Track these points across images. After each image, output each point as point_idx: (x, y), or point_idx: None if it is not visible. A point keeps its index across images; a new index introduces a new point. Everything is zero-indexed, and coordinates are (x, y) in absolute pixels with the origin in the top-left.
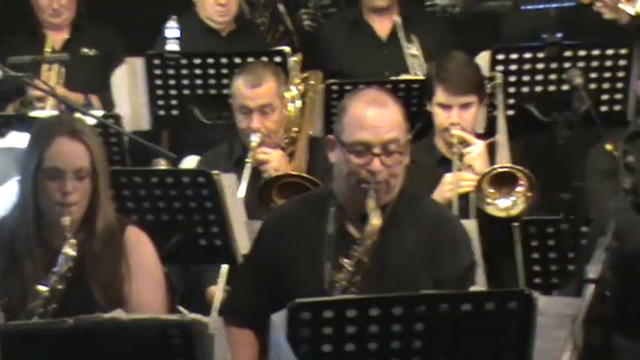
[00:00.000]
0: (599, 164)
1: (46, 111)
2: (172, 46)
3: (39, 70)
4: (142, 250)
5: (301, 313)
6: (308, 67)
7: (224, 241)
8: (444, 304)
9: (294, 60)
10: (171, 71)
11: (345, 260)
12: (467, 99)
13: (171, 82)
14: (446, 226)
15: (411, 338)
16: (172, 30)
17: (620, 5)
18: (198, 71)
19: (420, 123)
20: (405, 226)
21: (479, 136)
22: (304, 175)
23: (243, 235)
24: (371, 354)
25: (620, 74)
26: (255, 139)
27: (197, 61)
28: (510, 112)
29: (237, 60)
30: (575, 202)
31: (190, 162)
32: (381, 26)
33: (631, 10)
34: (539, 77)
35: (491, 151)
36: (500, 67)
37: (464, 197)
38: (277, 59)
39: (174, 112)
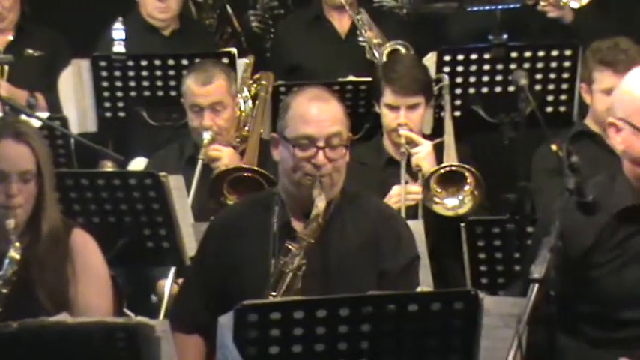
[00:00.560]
0: (544, 164)
1: None
2: (119, 48)
3: None
4: (88, 253)
5: (248, 314)
6: (260, 68)
7: (171, 244)
8: (390, 304)
9: (245, 61)
10: (117, 73)
11: (292, 244)
12: (414, 100)
13: (118, 83)
14: (388, 221)
15: (358, 339)
16: (118, 32)
17: (564, 0)
18: (144, 73)
19: (368, 124)
20: (347, 221)
21: (426, 136)
22: (255, 168)
23: (190, 237)
24: (318, 355)
25: (565, 75)
26: (207, 136)
27: (144, 62)
28: (457, 113)
29: (185, 62)
30: (520, 203)
31: (138, 164)
32: (341, 23)
33: (575, 4)
34: (485, 78)
35: (439, 152)
36: (446, 69)
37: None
38: (225, 60)
39: (121, 114)
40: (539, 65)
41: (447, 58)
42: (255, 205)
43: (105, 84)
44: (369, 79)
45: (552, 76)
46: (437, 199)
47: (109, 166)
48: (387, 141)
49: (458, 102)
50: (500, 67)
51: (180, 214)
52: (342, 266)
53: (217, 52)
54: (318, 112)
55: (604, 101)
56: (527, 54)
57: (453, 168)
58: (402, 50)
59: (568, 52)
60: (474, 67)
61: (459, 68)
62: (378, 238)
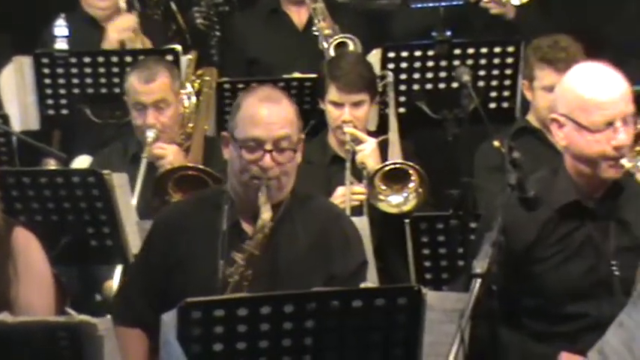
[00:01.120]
0: (487, 161)
1: None
2: (61, 45)
3: None
4: (30, 252)
5: (192, 312)
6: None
7: (115, 242)
8: (334, 300)
9: (188, 57)
10: (60, 70)
11: (237, 254)
12: (359, 97)
13: (61, 81)
14: (337, 223)
15: (302, 335)
16: (61, 28)
17: None
18: (88, 70)
19: (312, 121)
20: (297, 223)
21: (371, 133)
22: (200, 166)
23: (134, 235)
24: (262, 352)
25: (508, 72)
26: (150, 134)
27: (87, 59)
28: (401, 110)
29: (128, 58)
30: (463, 199)
31: (82, 162)
32: (299, 16)
33: (517, 1)
34: (429, 75)
35: (383, 149)
36: (391, 65)
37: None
38: (169, 58)
39: (64, 112)
40: (482, 62)
41: (391, 54)
42: (202, 202)
43: (47, 81)
44: (314, 75)
45: (495, 72)
46: (381, 197)
47: (51, 164)
48: (332, 138)
49: (402, 99)
50: (443, 63)
51: (124, 212)
52: (291, 269)
53: (162, 49)
54: (267, 114)
55: (545, 98)
56: (471, 50)
57: (398, 165)
58: (350, 44)
59: (510, 49)
60: (417, 64)
61: (403, 65)
62: (327, 241)
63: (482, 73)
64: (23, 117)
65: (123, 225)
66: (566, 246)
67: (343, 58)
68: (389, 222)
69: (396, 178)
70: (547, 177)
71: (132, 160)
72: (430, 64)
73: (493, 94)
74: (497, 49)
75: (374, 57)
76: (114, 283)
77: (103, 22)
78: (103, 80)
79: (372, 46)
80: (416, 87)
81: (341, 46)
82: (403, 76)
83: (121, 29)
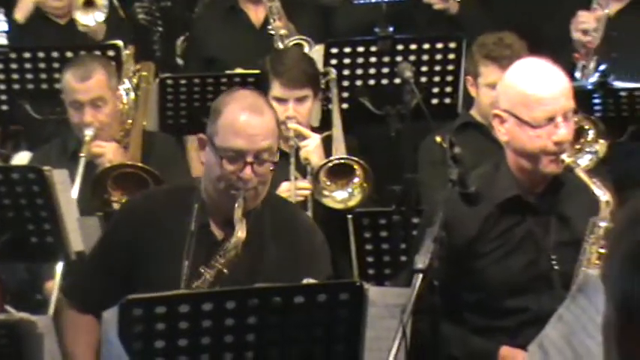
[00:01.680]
0: (429, 156)
1: None
2: (1, 40)
3: None
4: None
5: (133, 309)
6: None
7: (56, 238)
8: (276, 296)
9: (127, 53)
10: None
11: (207, 270)
12: (302, 92)
13: (1, 76)
14: (307, 237)
15: (244, 331)
16: (0, 23)
17: None
18: (28, 65)
19: None
20: (266, 236)
21: (314, 129)
22: (139, 164)
23: (76, 231)
24: (204, 349)
25: (450, 67)
26: (89, 133)
27: (27, 55)
28: (345, 106)
29: (69, 54)
30: (406, 194)
31: (22, 158)
32: (256, 13)
33: None
34: (372, 71)
35: (327, 145)
36: (334, 61)
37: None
38: (110, 53)
39: (4, 108)
40: (425, 57)
41: (334, 50)
42: (173, 196)
43: None
44: (257, 71)
45: (437, 68)
46: (326, 192)
47: None
48: None
49: (345, 94)
50: (386, 59)
51: (65, 208)
52: (257, 282)
53: (103, 45)
54: (250, 125)
55: (489, 95)
56: (413, 46)
57: (342, 161)
58: (305, 45)
59: (452, 45)
60: (360, 60)
61: (346, 61)
62: (295, 255)
63: (424, 68)
64: None
65: (64, 222)
66: (507, 241)
67: (286, 53)
68: (332, 217)
69: (340, 173)
70: (489, 172)
71: (71, 157)
72: (373, 59)
73: (435, 89)
74: (439, 45)
75: (317, 53)
76: (55, 283)
77: (59, 19)
78: (43, 76)
79: (314, 41)
80: (359, 83)
81: (296, 47)
82: (346, 72)
83: None
